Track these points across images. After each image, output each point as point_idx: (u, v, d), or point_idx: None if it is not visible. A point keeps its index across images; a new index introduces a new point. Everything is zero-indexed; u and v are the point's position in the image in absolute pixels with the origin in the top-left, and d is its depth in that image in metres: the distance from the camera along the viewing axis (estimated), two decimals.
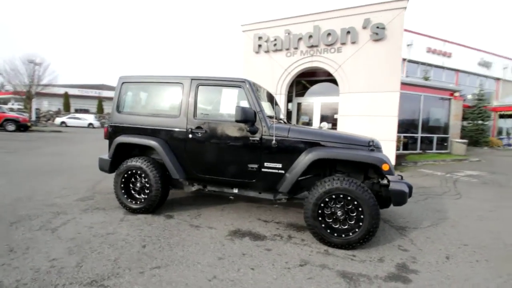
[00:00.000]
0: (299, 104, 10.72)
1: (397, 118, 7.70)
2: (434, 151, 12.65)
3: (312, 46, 8.46)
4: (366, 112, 7.90)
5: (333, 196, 2.60)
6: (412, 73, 16.86)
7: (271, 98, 3.82)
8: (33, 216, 3.11)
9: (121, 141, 3.39)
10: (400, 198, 2.54)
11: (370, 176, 3.03)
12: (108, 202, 3.76)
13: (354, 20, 7.83)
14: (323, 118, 9.93)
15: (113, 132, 3.57)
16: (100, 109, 33.63)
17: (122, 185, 3.37)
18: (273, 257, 2.41)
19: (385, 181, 2.88)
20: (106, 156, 3.69)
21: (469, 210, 4.09)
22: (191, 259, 2.30)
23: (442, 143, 13.09)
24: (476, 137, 16.82)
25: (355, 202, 2.54)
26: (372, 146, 2.80)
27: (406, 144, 12.03)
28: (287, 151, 2.92)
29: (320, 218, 2.65)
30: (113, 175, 5.13)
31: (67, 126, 26.72)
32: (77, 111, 35.08)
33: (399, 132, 9.46)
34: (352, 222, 2.61)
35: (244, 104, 3.07)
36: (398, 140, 10.08)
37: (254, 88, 3.10)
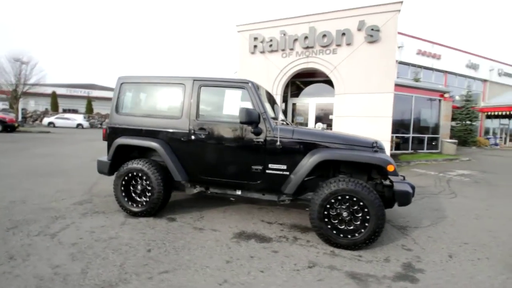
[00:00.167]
0: (294, 105, 10.78)
1: (392, 119, 7.84)
2: (425, 151, 12.93)
3: (307, 47, 8.52)
4: (361, 113, 8.00)
5: (339, 197, 2.62)
6: (403, 74, 17.18)
7: (270, 98, 3.82)
8: (30, 221, 3.01)
9: (121, 143, 3.32)
10: (405, 198, 2.58)
11: (373, 176, 3.07)
12: (107, 205, 3.68)
13: (349, 22, 7.92)
14: (318, 119, 10.02)
15: (112, 133, 3.49)
16: (89, 109, 32.90)
17: (123, 188, 3.29)
18: (281, 259, 2.41)
19: (387, 182, 2.93)
20: (104, 158, 3.61)
21: (465, 209, 4.19)
22: (199, 263, 2.27)
23: (433, 143, 13.40)
24: (464, 137, 17.29)
25: (361, 203, 2.56)
26: (376, 147, 2.84)
27: (398, 144, 12.25)
28: (291, 152, 2.92)
29: (326, 219, 2.66)
30: (108, 177, 5.06)
31: (55, 126, 26.01)
32: (65, 111, 34.24)
33: (391, 132, 9.64)
34: (358, 223, 2.63)
35: (247, 105, 3.06)
36: (391, 140, 10.25)
37: (257, 89, 3.09)
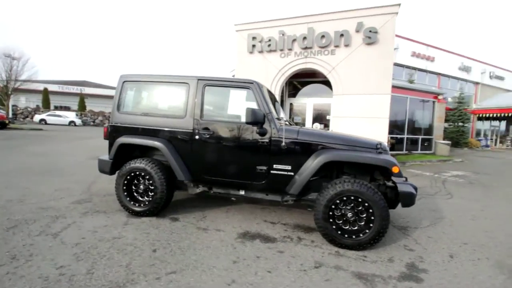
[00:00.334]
0: (291, 105, 10.82)
1: (389, 120, 7.94)
2: (419, 151, 13.14)
3: (306, 48, 8.56)
4: (359, 113, 8.09)
5: (344, 198, 2.64)
6: (397, 76, 17.38)
7: (271, 97, 3.82)
8: (29, 220, 2.96)
9: (124, 142, 3.28)
10: (409, 199, 2.62)
11: (376, 178, 3.10)
12: (107, 204, 3.63)
13: (347, 23, 7.98)
14: (315, 119, 10.08)
15: (113, 132, 3.45)
16: (82, 107, 32.35)
17: (125, 187, 3.25)
18: (287, 259, 2.42)
19: (390, 183, 2.97)
20: (105, 157, 3.56)
21: (462, 210, 4.28)
22: (206, 263, 2.27)
23: (425, 144, 13.62)
24: (456, 139, 17.61)
25: (366, 204, 2.59)
26: (380, 148, 2.87)
27: (393, 145, 12.41)
28: (296, 153, 2.93)
29: (330, 220, 2.68)
30: (106, 176, 5.00)
31: (46, 123, 25.48)
32: (57, 108, 33.66)
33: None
34: (362, 224, 2.66)
35: (252, 105, 3.05)
36: (387, 141, 10.38)
37: (262, 90, 3.09)
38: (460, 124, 17.81)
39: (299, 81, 10.59)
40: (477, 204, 4.66)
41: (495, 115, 19.87)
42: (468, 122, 18.55)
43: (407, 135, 12.91)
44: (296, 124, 10.31)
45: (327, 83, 9.13)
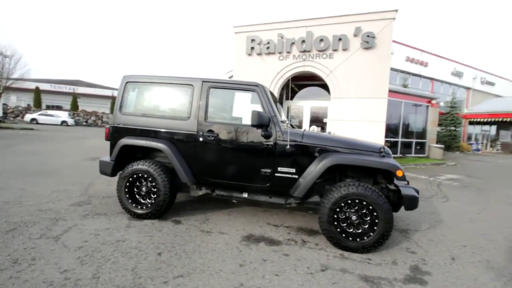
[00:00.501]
0: (288, 107, 10.87)
1: (385, 124, 8.05)
2: (413, 155, 13.34)
3: (304, 51, 8.63)
4: (356, 117, 8.18)
5: (349, 201, 2.67)
6: (392, 80, 17.62)
7: (273, 99, 3.83)
8: (29, 223, 2.89)
9: (126, 143, 3.25)
10: (413, 203, 2.66)
11: (379, 181, 3.14)
12: (107, 207, 3.58)
13: (345, 27, 8.09)
14: (312, 122, 10.15)
15: (115, 133, 3.41)
16: (74, 106, 31.82)
17: (127, 190, 3.21)
18: (293, 262, 2.42)
19: (392, 186, 3.01)
20: (106, 158, 3.51)
21: (459, 213, 4.36)
22: (212, 267, 2.26)
23: (420, 148, 13.84)
24: (449, 142, 17.96)
25: (370, 207, 2.62)
26: (383, 152, 2.91)
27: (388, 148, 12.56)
28: (301, 156, 2.95)
29: (335, 223, 2.70)
30: (104, 178, 4.94)
31: (38, 123, 25.00)
32: (48, 107, 33.04)
33: None
34: (366, 227, 2.68)
35: (257, 108, 3.06)
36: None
37: (268, 93, 3.10)
38: (452, 128, 18.17)
39: (296, 84, 10.66)
40: (472, 207, 4.75)
41: (485, 119, 20.35)
42: (460, 126, 18.96)
43: (401, 138, 13.09)
44: (292, 126, 10.42)
45: (323, 86, 9.22)
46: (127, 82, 3.45)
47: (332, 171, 3.12)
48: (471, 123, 21.79)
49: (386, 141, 12.75)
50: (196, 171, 3.19)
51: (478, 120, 20.79)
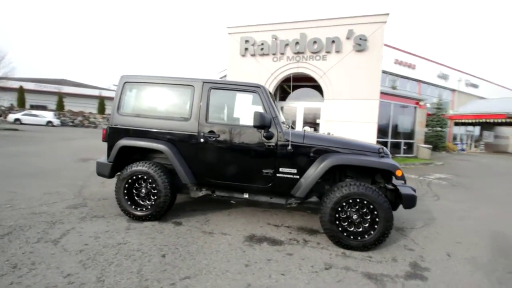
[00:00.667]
0: (281, 108, 10.94)
1: (377, 124, 8.22)
2: (401, 155, 13.67)
3: (298, 53, 8.72)
4: (348, 118, 8.32)
5: (350, 201, 2.72)
6: (381, 82, 17.95)
7: (272, 99, 3.86)
8: (24, 226, 2.80)
9: (125, 144, 3.20)
10: (411, 202, 2.74)
11: (377, 180, 3.22)
12: (104, 209, 3.51)
13: (338, 30, 8.22)
14: (305, 123, 10.25)
15: (113, 134, 3.35)
16: (60, 106, 30.89)
17: (126, 191, 3.16)
18: (297, 261, 2.45)
19: (390, 186, 3.09)
20: (103, 159, 3.45)
21: (449, 211, 4.51)
22: (218, 267, 2.26)
23: (408, 148, 14.20)
24: (435, 143, 18.49)
25: (371, 206, 2.68)
26: (382, 153, 2.98)
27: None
28: (302, 156, 2.98)
29: (337, 222, 2.75)
30: (96, 180, 4.86)
31: (21, 123, 24.12)
32: (33, 107, 31.94)
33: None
34: (367, 225, 2.75)
35: (258, 109, 3.08)
36: None
37: (269, 94, 3.13)
38: (439, 129, 18.73)
39: (289, 85, 10.74)
40: (462, 205, 4.92)
41: (470, 120, 21.09)
42: (446, 127, 19.56)
43: (390, 139, 13.39)
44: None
45: (316, 87, 9.34)
46: (125, 82, 3.39)
47: (332, 171, 3.17)
48: (456, 124, 22.55)
49: (377, 142, 13.06)
50: (197, 172, 3.17)
51: (463, 121, 21.54)
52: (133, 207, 3.16)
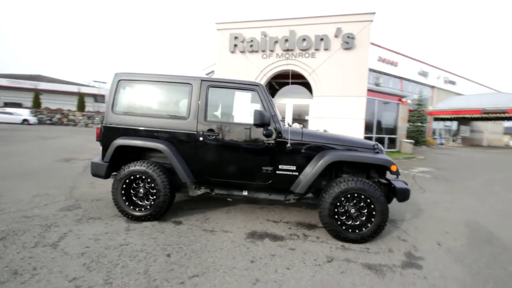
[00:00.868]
0: None
1: (364, 121, 8.47)
2: (385, 149, 14.15)
3: (287, 50, 8.78)
4: (337, 114, 8.51)
5: (348, 195, 2.83)
6: None
7: None
8: (18, 231, 2.70)
9: (122, 144, 3.13)
10: (405, 195, 2.89)
11: (371, 175, 3.34)
12: (100, 210, 3.44)
13: (327, 28, 8.35)
14: (294, 119, 10.38)
15: (108, 133, 3.27)
16: (36, 103, 29.40)
17: (123, 192, 3.11)
18: (300, 256, 2.53)
19: (384, 180, 3.23)
20: (97, 159, 3.36)
21: (435, 203, 4.76)
22: (224, 265, 2.29)
23: (391, 143, 14.72)
24: (416, 137, 19.28)
25: (368, 200, 2.80)
26: (377, 149, 3.10)
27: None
28: (301, 153, 3.05)
29: (335, 217, 2.85)
30: (86, 180, 4.74)
31: None
32: (7, 104, 30.23)
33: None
34: (364, 219, 2.86)
35: (256, 107, 3.11)
36: None
37: (267, 92, 3.16)
38: (419, 124, 19.52)
39: (278, 82, 10.81)
40: (446, 197, 5.21)
41: (448, 116, 22.10)
42: (426, 122, 20.42)
43: (375, 134, 13.82)
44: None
45: (304, 84, 9.46)
46: (119, 80, 3.31)
47: (329, 167, 3.27)
48: (435, 119, 23.58)
49: (364, 137, 13.46)
50: (196, 171, 3.17)
51: (442, 116, 22.56)
52: (131, 207, 3.12)
